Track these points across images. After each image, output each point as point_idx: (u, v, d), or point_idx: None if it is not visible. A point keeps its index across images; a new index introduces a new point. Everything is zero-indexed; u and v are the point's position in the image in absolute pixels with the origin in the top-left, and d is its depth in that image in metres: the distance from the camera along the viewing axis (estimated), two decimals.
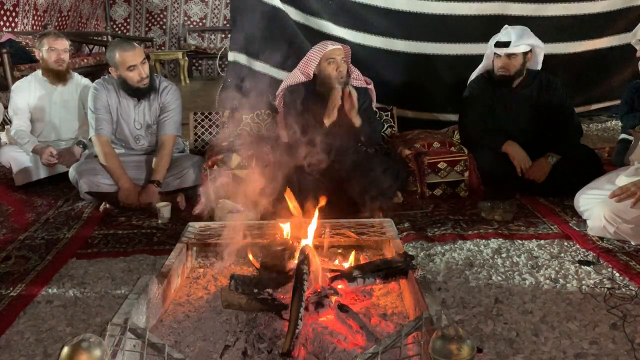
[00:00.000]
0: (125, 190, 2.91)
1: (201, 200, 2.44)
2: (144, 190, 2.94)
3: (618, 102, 3.86)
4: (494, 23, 3.57)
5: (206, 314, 1.77)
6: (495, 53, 3.07)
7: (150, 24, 9.44)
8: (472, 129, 3.22)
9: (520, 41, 2.98)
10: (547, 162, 2.95)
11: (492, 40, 3.11)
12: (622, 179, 2.40)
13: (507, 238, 2.45)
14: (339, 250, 2.25)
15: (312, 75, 2.97)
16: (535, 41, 3.04)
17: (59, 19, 7.58)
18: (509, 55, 3.02)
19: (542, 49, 3.12)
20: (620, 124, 3.65)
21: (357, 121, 2.86)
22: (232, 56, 3.97)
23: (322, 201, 2.13)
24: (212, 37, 9.66)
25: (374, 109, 3.25)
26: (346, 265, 2.00)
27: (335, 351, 1.49)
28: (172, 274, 1.86)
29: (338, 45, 2.91)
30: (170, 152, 3.07)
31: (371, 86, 3.12)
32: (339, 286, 1.77)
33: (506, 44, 3.00)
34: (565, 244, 2.38)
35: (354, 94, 2.77)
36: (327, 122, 2.80)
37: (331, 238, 2.20)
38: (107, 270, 2.19)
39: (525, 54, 3.04)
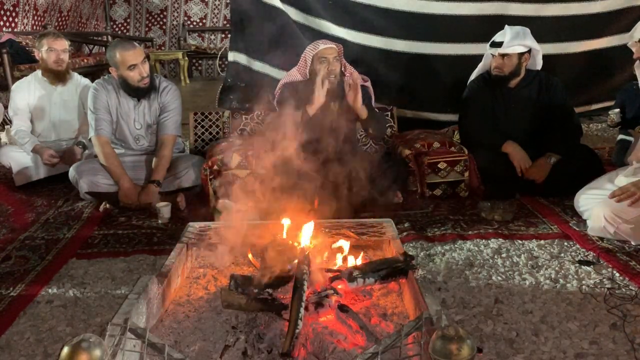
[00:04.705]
0: (125, 190, 2.92)
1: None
2: (143, 190, 2.94)
3: None
4: (494, 23, 3.57)
5: (206, 314, 1.77)
6: (491, 53, 3.09)
7: (150, 24, 9.44)
8: (471, 129, 3.22)
9: (514, 42, 2.99)
10: (547, 162, 2.95)
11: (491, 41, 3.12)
12: (622, 179, 2.40)
13: (507, 238, 2.45)
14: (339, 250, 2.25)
15: (308, 75, 2.97)
16: (531, 43, 3.04)
17: (59, 19, 7.59)
18: (503, 56, 3.03)
19: (539, 51, 3.12)
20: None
21: (363, 113, 2.85)
22: (232, 56, 3.96)
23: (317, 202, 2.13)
24: (212, 37, 9.66)
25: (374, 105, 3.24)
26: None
27: (335, 351, 1.49)
28: (172, 274, 1.86)
29: (330, 44, 2.89)
30: (170, 152, 3.07)
31: (368, 84, 3.10)
32: (339, 286, 1.77)
33: (500, 44, 3.01)
34: (565, 244, 2.38)
35: (356, 79, 2.75)
36: (310, 111, 2.79)
37: (331, 238, 2.19)
38: (107, 270, 2.19)
39: (521, 54, 3.04)
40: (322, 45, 2.87)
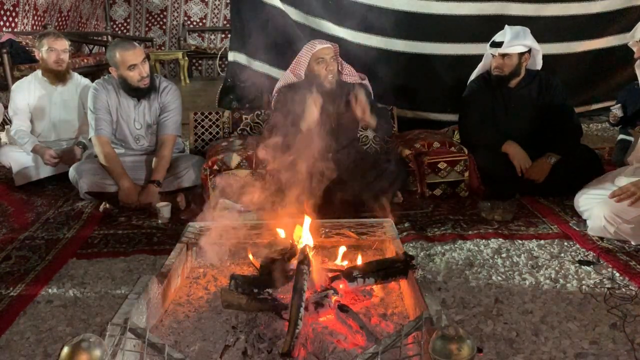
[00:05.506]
0: (126, 190, 2.91)
1: None
2: (144, 190, 2.94)
3: None
4: (494, 23, 3.57)
5: (206, 314, 1.77)
6: (491, 53, 3.09)
7: (150, 24, 9.44)
8: (471, 129, 3.22)
9: (515, 42, 2.99)
10: (547, 162, 2.94)
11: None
12: (622, 179, 2.41)
13: (507, 238, 2.45)
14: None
15: (303, 76, 2.90)
16: (531, 42, 3.04)
17: (59, 19, 7.58)
18: (503, 56, 3.03)
19: (539, 50, 3.12)
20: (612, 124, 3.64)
21: (372, 122, 2.82)
22: (232, 56, 3.97)
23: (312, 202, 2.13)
24: (212, 37, 9.66)
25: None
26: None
27: (335, 351, 1.49)
28: (172, 274, 1.86)
29: (326, 44, 2.87)
30: (170, 152, 3.07)
31: (366, 81, 3.07)
32: (339, 286, 1.77)
33: (500, 44, 3.01)
34: (565, 244, 2.38)
35: (361, 97, 2.72)
36: (303, 126, 2.68)
37: (331, 238, 2.20)
38: (107, 270, 2.19)
39: (521, 54, 3.04)
40: (319, 45, 2.85)
